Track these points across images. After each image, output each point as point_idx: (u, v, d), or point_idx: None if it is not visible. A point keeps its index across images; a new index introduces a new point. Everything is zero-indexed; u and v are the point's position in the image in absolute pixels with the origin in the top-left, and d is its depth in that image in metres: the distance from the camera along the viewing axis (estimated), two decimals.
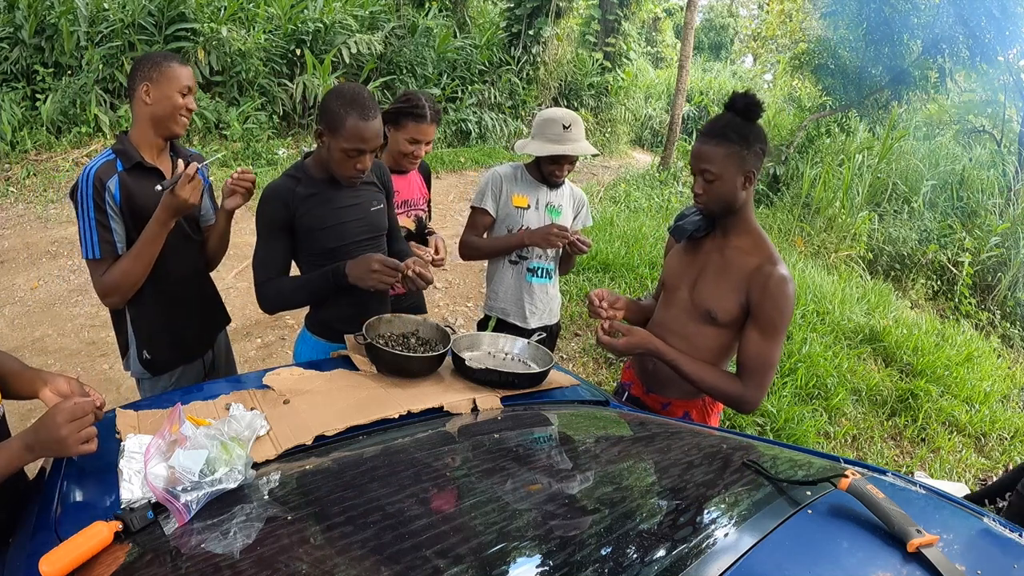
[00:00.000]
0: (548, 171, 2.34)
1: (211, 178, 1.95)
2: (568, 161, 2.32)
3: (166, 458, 1.09)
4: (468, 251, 2.42)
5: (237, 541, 0.97)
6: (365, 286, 1.74)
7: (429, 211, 2.46)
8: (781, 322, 1.60)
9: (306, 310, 2.07)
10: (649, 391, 1.88)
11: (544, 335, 2.02)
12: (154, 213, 1.73)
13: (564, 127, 2.25)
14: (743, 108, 1.58)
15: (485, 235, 2.43)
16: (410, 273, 1.74)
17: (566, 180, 2.46)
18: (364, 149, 1.71)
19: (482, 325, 2.65)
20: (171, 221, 1.74)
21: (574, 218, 2.51)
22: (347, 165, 1.73)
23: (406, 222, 2.29)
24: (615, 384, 3.86)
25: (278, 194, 1.79)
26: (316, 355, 1.95)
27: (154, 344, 1.93)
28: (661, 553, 0.91)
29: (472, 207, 2.38)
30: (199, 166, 1.71)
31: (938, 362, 4.46)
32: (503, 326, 2.48)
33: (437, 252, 2.24)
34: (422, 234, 2.37)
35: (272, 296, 1.85)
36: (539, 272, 2.44)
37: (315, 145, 1.81)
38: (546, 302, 2.50)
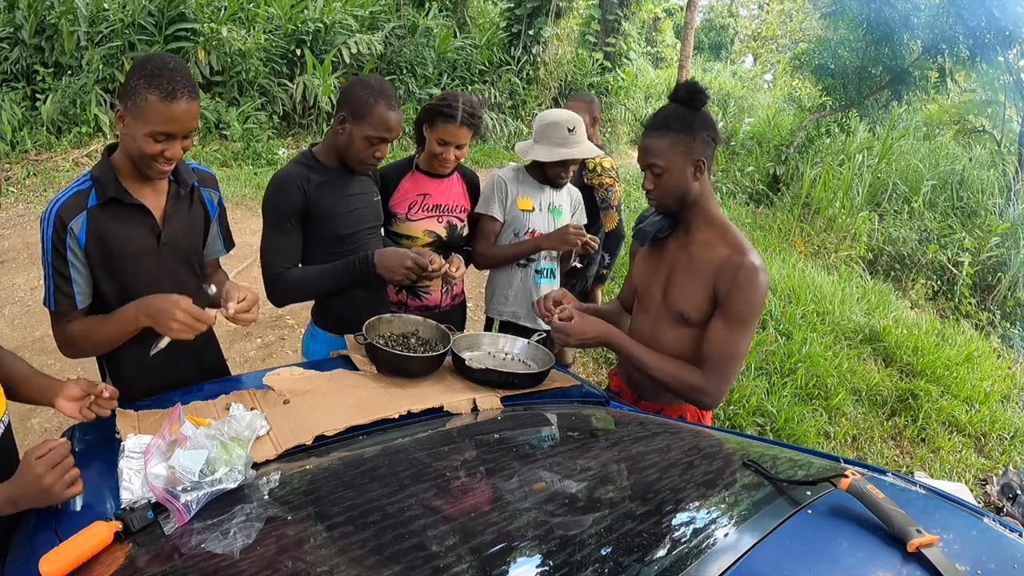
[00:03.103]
0: (553, 174, 2.33)
1: (221, 199, 1.75)
2: (573, 163, 2.31)
3: (166, 458, 1.08)
4: (484, 261, 2.40)
5: (237, 541, 0.97)
6: (392, 277, 1.79)
7: (470, 224, 2.32)
8: (750, 313, 1.54)
9: (309, 307, 2.08)
10: (640, 399, 1.84)
11: (544, 335, 2.02)
12: (133, 307, 1.40)
13: (569, 130, 2.24)
14: (686, 97, 1.54)
15: (495, 241, 2.41)
16: (431, 268, 1.80)
17: None
18: (387, 137, 1.77)
19: (486, 329, 2.65)
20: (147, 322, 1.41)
21: (571, 216, 2.51)
22: (368, 152, 1.78)
23: (436, 227, 2.20)
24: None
25: (292, 181, 1.78)
26: (333, 349, 1.94)
27: (131, 398, 1.55)
28: (661, 553, 0.90)
29: (479, 214, 2.35)
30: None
31: (938, 362, 4.45)
32: (508, 329, 2.48)
33: (455, 269, 1.97)
34: (454, 243, 2.26)
35: (291, 287, 1.84)
36: (545, 273, 2.44)
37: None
38: None
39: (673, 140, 1.53)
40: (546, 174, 2.35)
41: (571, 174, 2.36)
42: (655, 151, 1.55)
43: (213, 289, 1.38)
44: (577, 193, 2.54)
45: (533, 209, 2.37)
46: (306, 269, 1.86)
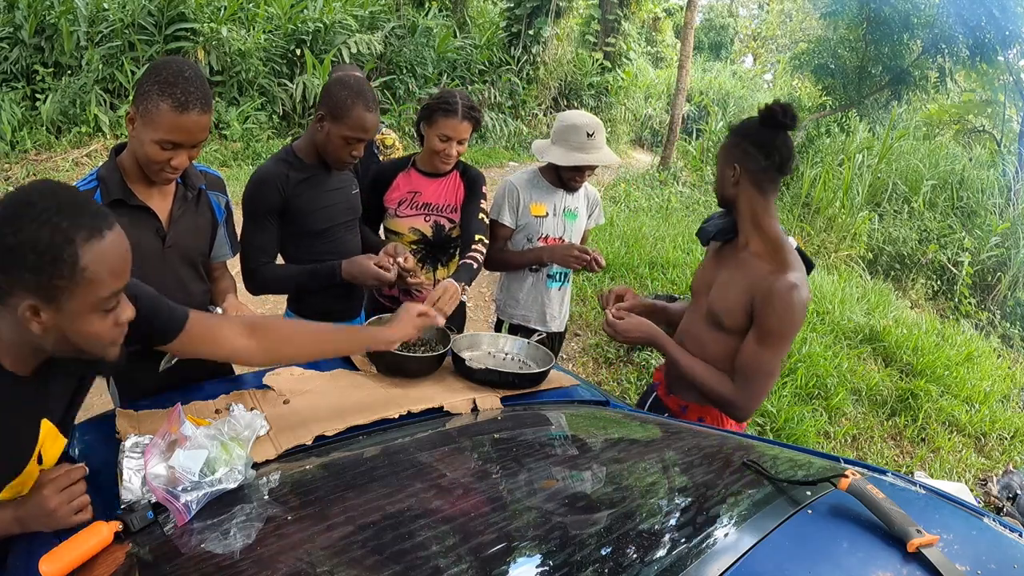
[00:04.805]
0: (568, 178, 2.30)
1: (227, 199, 1.74)
2: (589, 168, 2.28)
3: (166, 458, 1.08)
4: (492, 265, 2.40)
5: (237, 541, 0.97)
6: (362, 284, 1.88)
7: (470, 220, 2.19)
8: (781, 330, 1.56)
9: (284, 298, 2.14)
10: (670, 392, 1.87)
11: (543, 334, 2.02)
12: None
13: (588, 135, 2.20)
14: (761, 112, 1.59)
15: (507, 245, 2.39)
16: (404, 267, 1.89)
17: None
18: (363, 138, 1.79)
19: (496, 331, 2.63)
20: None
21: (588, 217, 2.49)
22: (344, 151, 1.81)
23: (422, 226, 2.18)
24: (642, 385, 3.85)
25: (272, 179, 1.82)
26: None
27: (137, 397, 1.54)
28: (661, 553, 0.91)
29: (490, 220, 2.33)
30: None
31: (938, 362, 4.45)
32: (518, 332, 2.47)
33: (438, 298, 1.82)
34: (442, 244, 2.22)
35: (268, 282, 1.93)
36: (557, 277, 2.43)
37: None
38: (563, 305, 2.51)
39: (727, 141, 1.64)
40: (561, 177, 2.32)
41: (586, 178, 2.33)
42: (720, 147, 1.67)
43: (218, 310, 1.42)
44: (594, 194, 2.51)
45: (547, 214, 2.34)
46: (283, 268, 1.94)
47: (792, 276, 1.55)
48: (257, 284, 1.92)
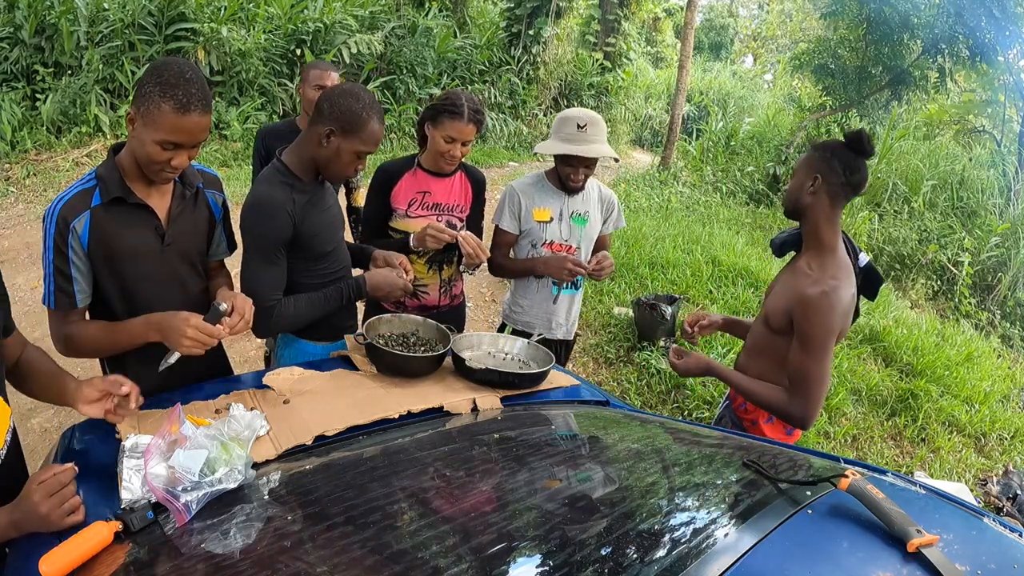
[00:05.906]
0: (563, 173, 2.24)
1: (224, 195, 1.72)
2: (583, 164, 2.19)
3: (166, 458, 1.09)
4: (496, 271, 2.40)
5: (237, 541, 0.97)
6: (386, 297, 1.88)
7: (476, 223, 2.33)
8: (813, 333, 1.64)
9: None
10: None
11: (542, 334, 2.01)
12: (143, 322, 1.42)
13: (579, 127, 2.15)
14: (848, 137, 1.71)
15: (511, 252, 2.38)
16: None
17: (595, 183, 2.37)
18: (373, 151, 1.72)
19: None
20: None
21: (604, 222, 2.41)
22: (352, 166, 1.70)
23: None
24: (642, 385, 3.84)
25: (280, 206, 1.64)
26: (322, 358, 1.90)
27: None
28: (661, 553, 0.91)
29: (495, 225, 2.33)
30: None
31: (938, 362, 4.45)
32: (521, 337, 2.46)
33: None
34: (453, 244, 2.18)
35: (286, 320, 1.74)
36: (564, 283, 2.37)
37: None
38: (571, 313, 2.46)
39: (811, 155, 1.75)
40: (559, 176, 2.28)
41: (584, 177, 2.24)
42: (799, 160, 1.79)
43: (224, 307, 1.40)
44: (610, 196, 2.42)
45: (551, 220, 2.29)
46: (296, 299, 1.75)
47: (825, 283, 1.65)
48: (275, 325, 1.73)
